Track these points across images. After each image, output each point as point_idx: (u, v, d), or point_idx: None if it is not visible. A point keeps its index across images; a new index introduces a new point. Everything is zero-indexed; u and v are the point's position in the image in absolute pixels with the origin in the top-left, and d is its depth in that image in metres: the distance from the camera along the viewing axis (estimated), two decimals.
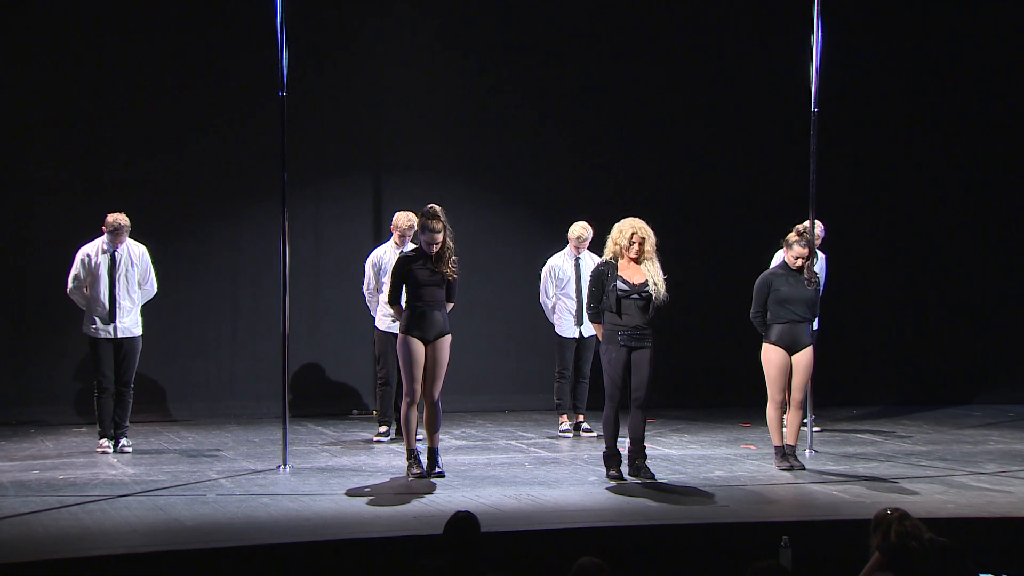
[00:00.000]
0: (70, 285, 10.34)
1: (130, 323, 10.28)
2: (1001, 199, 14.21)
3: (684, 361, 12.94)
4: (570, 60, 13.35)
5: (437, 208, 8.93)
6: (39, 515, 7.74)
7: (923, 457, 10.08)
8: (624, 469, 8.92)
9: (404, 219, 10.67)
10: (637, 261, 8.86)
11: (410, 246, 10.15)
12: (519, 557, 7.05)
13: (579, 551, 5.68)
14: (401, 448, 9.32)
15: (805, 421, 9.91)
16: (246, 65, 12.29)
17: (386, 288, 9.66)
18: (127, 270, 10.28)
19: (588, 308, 9.05)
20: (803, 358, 9.31)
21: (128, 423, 10.34)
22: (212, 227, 12.57)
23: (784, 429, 9.38)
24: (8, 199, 12.03)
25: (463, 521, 6.09)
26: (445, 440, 10.20)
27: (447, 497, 8.24)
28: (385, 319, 10.68)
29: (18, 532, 7.30)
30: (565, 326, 11.31)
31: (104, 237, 10.27)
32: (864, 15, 13.76)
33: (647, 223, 8.93)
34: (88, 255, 10.29)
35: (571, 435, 11.22)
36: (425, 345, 8.90)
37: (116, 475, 9.20)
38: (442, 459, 9.11)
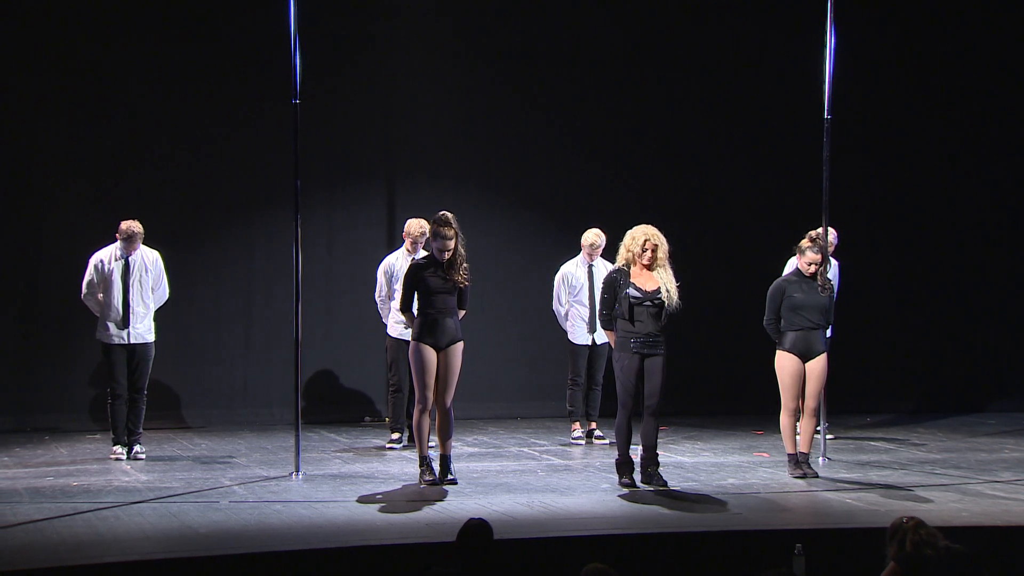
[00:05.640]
0: (84, 291, 10.36)
1: (143, 329, 10.30)
2: (1016, 206, 14.16)
3: (697, 368, 12.91)
4: (582, 67, 13.33)
5: (449, 215, 8.94)
6: (53, 521, 7.76)
7: (937, 465, 10.04)
8: (637, 476, 8.90)
9: (416, 226, 10.67)
10: (650, 268, 8.85)
11: (422, 253, 10.15)
12: (532, 565, 7.05)
13: (591, 559, 5.64)
14: (413, 455, 9.31)
15: (819, 429, 9.88)
16: (259, 72, 12.31)
17: (398, 295, 9.66)
18: (140, 276, 10.29)
19: (600, 315, 9.03)
20: (817, 365, 9.28)
21: (141, 430, 10.36)
22: (225, 234, 12.59)
23: (797, 437, 9.35)
24: (22, 205, 12.07)
25: (476, 528, 6.08)
26: (457, 447, 10.18)
27: (459, 504, 8.23)
28: (397, 326, 10.68)
29: (32, 538, 7.32)
30: (578, 333, 11.29)
31: (118, 243, 10.30)
32: (877, 22, 13.73)
33: (660, 230, 8.93)
34: (101, 260, 10.31)
35: (583, 442, 11.20)
36: (437, 352, 8.90)
37: (129, 482, 9.21)
38: (454, 466, 9.10)
